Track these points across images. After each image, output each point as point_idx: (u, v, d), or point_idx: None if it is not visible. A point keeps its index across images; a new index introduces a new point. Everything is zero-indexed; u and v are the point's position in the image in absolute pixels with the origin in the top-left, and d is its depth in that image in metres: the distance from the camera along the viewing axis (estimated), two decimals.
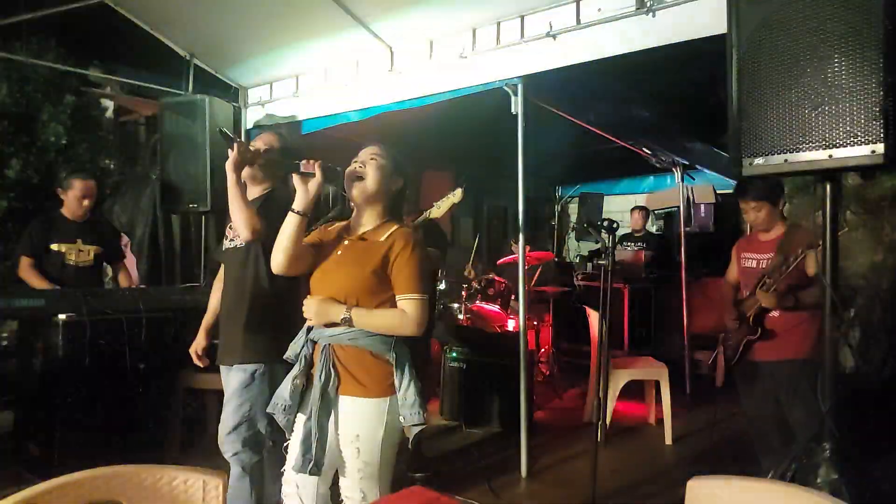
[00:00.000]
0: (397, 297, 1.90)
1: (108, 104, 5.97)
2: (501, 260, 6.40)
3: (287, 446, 1.97)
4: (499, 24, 3.57)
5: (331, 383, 1.87)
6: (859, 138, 1.64)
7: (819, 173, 1.81)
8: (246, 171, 2.40)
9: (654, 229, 7.84)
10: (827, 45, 1.69)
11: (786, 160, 1.78)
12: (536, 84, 3.50)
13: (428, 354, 4.19)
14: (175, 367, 3.46)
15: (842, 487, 1.73)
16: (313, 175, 1.90)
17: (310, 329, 1.95)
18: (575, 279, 6.78)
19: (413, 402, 1.86)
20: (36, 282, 3.61)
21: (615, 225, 2.94)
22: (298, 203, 1.91)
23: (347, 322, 1.85)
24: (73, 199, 3.73)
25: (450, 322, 5.14)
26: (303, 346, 1.95)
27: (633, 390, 4.42)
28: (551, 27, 3.33)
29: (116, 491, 1.35)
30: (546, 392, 5.38)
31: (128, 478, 1.37)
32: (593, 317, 4.85)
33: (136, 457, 1.50)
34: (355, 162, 1.98)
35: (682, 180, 6.22)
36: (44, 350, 3.27)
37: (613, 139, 5.27)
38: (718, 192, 7.38)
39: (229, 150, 2.28)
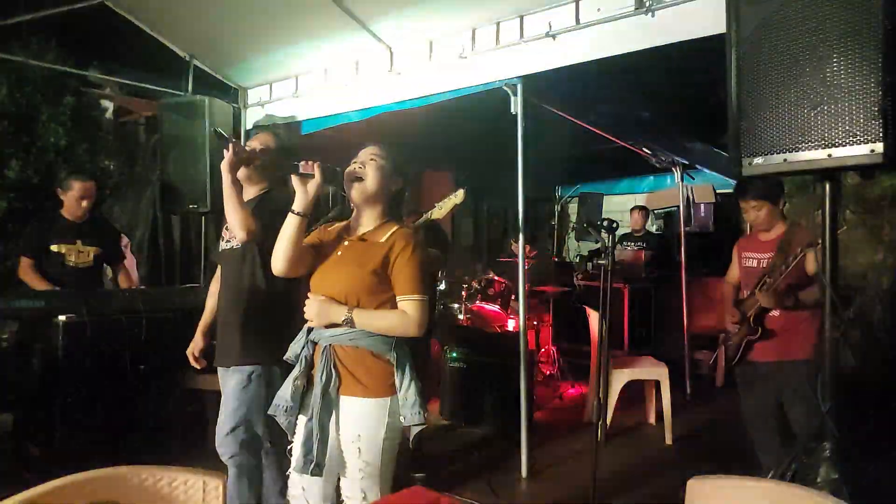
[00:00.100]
0: (398, 298, 1.90)
1: (108, 105, 5.95)
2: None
3: (290, 448, 1.97)
4: (498, 24, 3.56)
5: (332, 384, 1.87)
6: (858, 137, 1.64)
7: (818, 173, 1.81)
8: (241, 172, 2.37)
9: (653, 229, 7.83)
10: (826, 44, 1.68)
11: (785, 160, 1.78)
12: (536, 84, 3.50)
13: (428, 354, 4.19)
14: (175, 368, 3.44)
15: (842, 487, 1.72)
16: (312, 176, 1.89)
17: (310, 330, 1.95)
18: (575, 279, 6.77)
19: (414, 402, 1.86)
20: (36, 283, 3.61)
21: (615, 225, 2.93)
22: (298, 204, 1.90)
23: (349, 323, 1.85)
24: (73, 199, 3.72)
25: (450, 322, 5.14)
26: (303, 347, 1.95)
27: (634, 390, 4.42)
28: (551, 27, 3.33)
29: (116, 492, 1.35)
30: (546, 392, 5.38)
31: (128, 478, 1.37)
32: (593, 317, 4.84)
33: (136, 457, 1.50)
34: (355, 162, 1.98)
35: (682, 180, 6.21)
36: (44, 351, 3.27)
37: (613, 139, 5.26)
38: (718, 191, 7.37)
39: (225, 151, 2.27)
